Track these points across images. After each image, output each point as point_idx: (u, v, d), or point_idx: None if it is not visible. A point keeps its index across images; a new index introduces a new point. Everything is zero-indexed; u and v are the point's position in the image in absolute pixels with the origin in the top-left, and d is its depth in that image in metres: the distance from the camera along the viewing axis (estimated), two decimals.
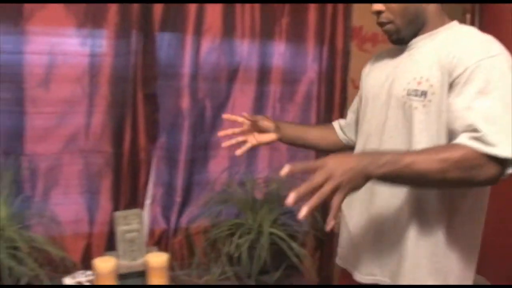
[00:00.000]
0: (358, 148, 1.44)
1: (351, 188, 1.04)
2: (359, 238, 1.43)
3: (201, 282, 1.99)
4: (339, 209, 1.02)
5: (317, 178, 1.00)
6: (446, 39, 1.28)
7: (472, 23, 2.39)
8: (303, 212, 0.96)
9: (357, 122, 1.59)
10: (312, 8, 2.25)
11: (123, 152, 2.05)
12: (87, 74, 2.01)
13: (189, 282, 1.97)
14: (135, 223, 2.00)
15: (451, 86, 1.19)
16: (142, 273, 1.92)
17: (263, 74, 2.25)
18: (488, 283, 2.56)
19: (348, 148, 1.61)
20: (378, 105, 1.38)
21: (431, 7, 1.33)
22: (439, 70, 1.22)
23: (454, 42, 1.25)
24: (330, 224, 1.01)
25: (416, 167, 1.08)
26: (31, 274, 1.73)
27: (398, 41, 1.37)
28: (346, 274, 1.48)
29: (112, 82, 2.03)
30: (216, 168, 2.23)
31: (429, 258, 1.27)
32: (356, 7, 2.32)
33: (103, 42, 2.01)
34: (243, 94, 2.23)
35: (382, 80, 1.39)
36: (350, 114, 1.67)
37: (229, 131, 1.55)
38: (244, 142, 1.56)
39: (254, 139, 1.56)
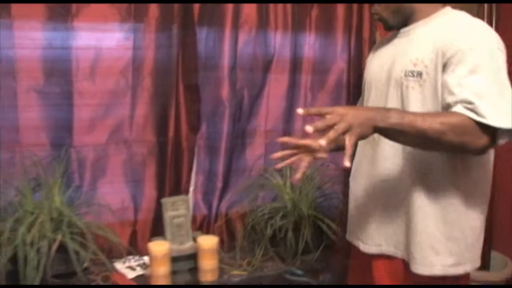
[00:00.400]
0: None
1: (360, 133, 1.19)
2: (364, 210, 1.56)
3: (245, 263, 2.08)
4: (352, 149, 1.16)
5: (332, 118, 1.17)
6: (440, 24, 1.41)
7: (489, 12, 2.50)
8: (323, 141, 1.12)
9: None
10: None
11: (167, 141, 2.14)
12: (130, 67, 2.09)
13: (234, 264, 2.07)
14: (182, 209, 2.09)
15: (444, 66, 1.32)
16: (191, 256, 2.02)
17: (295, 64, 2.34)
18: (507, 259, 2.69)
19: None
20: (380, 87, 1.53)
21: None
22: (433, 52, 1.35)
23: (448, 27, 1.38)
24: (346, 162, 1.14)
25: (417, 124, 1.22)
26: (93, 257, 1.82)
27: (390, 28, 1.56)
28: (354, 249, 1.64)
29: (155, 74, 2.11)
30: (253, 155, 2.34)
31: (439, 225, 1.40)
32: None
33: (145, 36, 2.09)
34: (278, 84, 2.32)
35: (383, 64, 1.53)
36: (360, 101, 1.83)
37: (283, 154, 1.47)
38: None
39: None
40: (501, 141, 1.26)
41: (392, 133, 1.25)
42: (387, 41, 1.61)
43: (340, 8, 2.36)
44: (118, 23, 2.05)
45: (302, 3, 2.31)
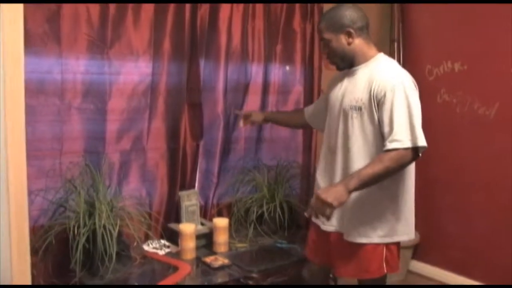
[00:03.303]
0: (324, 139, 2.21)
1: (339, 202, 1.79)
2: None
3: (240, 236, 2.73)
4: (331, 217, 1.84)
5: (317, 205, 1.82)
6: (373, 69, 1.98)
7: (398, 49, 3.44)
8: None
9: (319, 115, 2.34)
10: (298, 37, 3.11)
11: (177, 148, 2.71)
12: (149, 89, 2.61)
13: (233, 241, 2.69)
14: (194, 200, 2.69)
15: (378, 103, 1.91)
16: (206, 235, 2.62)
17: (266, 88, 3.05)
18: (416, 233, 3.57)
19: (307, 125, 2.53)
20: (334, 113, 2.11)
21: (357, 45, 2.02)
22: (368, 93, 1.94)
23: (376, 73, 1.96)
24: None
25: (370, 172, 1.83)
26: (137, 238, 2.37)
27: (340, 69, 2.14)
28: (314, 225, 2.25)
29: (167, 95, 2.67)
30: (235, 158, 2.99)
31: (364, 210, 2.01)
32: None
33: (160, 65, 2.64)
34: (253, 103, 3.01)
35: (337, 96, 2.11)
36: (315, 106, 2.43)
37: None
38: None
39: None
40: (421, 151, 1.89)
41: (360, 187, 1.85)
42: (341, 76, 2.15)
43: (298, 43, 3.11)
44: (140, 55, 2.58)
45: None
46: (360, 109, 1.97)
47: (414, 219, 2.11)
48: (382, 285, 2.12)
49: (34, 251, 2.26)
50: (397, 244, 2.09)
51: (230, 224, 2.65)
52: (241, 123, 2.69)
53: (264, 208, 2.78)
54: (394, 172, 1.88)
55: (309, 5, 3.13)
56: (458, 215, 3.37)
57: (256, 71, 3.00)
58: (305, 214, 1.91)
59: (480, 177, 3.23)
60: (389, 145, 1.85)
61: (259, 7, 2.95)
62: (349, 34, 2.02)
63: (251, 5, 2.92)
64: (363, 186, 1.86)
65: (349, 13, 2.03)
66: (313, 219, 2.21)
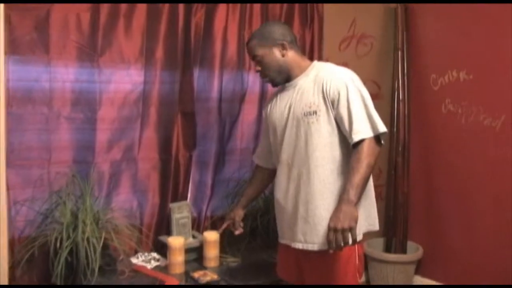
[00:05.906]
0: (280, 156, 2.09)
1: (355, 221, 1.76)
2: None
3: (233, 250, 2.65)
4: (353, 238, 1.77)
5: (337, 237, 1.74)
6: (317, 74, 1.99)
7: (402, 58, 3.35)
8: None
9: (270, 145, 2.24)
10: None
11: (169, 158, 2.65)
12: (141, 98, 2.56)
13: (225, 255, 2.61)
14: (185, 212, 2.62)
15: (332, 103, 1.91)
16: (196, 248, 2.55)
17: (263, 96, 2.96)
18: (420, 248, 3.49)
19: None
20: (281, 125, 2.06)
21: (291, 57, 2.04)
22: (320, 95, 1.94)
23: (323, 75, 1.96)
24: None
25: (359, 177, 1.81)
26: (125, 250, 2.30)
27: (277, 85, 2.12)
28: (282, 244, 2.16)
29: (160, 104, 2.62)
30: (230, 169, 2.92)
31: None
32: (327, 42, 3.21)
33: (152, 74, 2.58)
34: (249, 112, 2.93)
35: (282, 110, 2.07)
36: (264, 142, 2.31)
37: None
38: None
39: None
40: (382, 137, 1.91)
41: (360, 194, 1.83)
42: (278, 93, 2.15)
43: None
44: (132, 63, 2.53)
45: None
46: (315, 113, 1.95)
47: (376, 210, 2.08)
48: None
49: (17, 263, 2.23)
50: (363, 248, 2.07)
51: (222, 237, 2.57)
52: (237, 232, 2.35)
53: (258, 221, 2.71)
54: (374, 164, 1.89)
55: (309, 12, 3.07)
56: (463, 229, 3.26)
57: (253, 79, 2.92)
58: (330, 251, 1.79)
59: (485, 190, 3.12)
60: (355, 138, 1.87)
61: (256, 13, 2.89)
62: (283, 47, 2.04)
63: (248, 12, 2.86)
64: (361, 191, 1.85)
65: (277, 28, 2.10)
66: (280, 240, 2.15)
